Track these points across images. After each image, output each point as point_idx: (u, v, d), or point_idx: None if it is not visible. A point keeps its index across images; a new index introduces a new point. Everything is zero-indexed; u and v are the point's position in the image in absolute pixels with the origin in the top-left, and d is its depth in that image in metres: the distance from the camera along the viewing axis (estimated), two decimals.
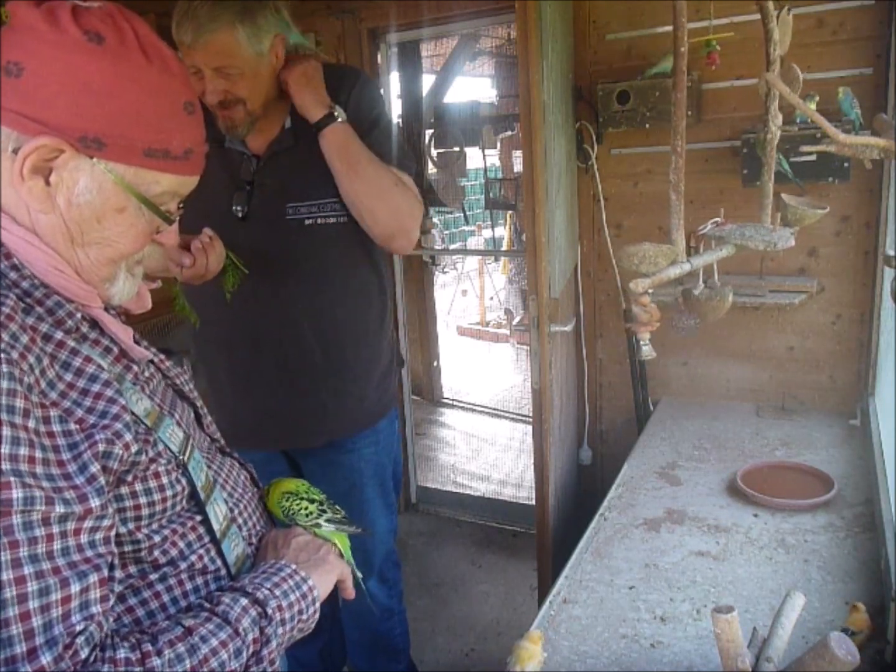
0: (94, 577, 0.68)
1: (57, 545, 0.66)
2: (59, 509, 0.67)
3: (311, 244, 1.61)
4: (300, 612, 0.86)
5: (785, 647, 1.08)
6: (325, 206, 1.58)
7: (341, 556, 1.03)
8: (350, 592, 0.99)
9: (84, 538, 0.69)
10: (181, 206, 0.88)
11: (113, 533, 0.73)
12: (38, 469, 0.67)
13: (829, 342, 2.28)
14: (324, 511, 1.05)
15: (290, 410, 1.71)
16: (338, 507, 1.08)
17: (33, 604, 0.63)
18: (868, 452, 1.90)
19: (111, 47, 0.75)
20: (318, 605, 0.89)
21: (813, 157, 2.03)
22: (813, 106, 1.43)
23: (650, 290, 1.37)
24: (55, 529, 0.66)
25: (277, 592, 0.85)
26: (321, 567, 0.94)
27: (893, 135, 1.37)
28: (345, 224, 1.61)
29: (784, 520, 1.65)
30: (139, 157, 0.77)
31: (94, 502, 0.70)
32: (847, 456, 1.94)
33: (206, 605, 0.81)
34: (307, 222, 1.58)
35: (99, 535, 0.70)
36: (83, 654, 0.65)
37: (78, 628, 0.66)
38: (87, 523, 0.69)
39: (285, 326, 1.65)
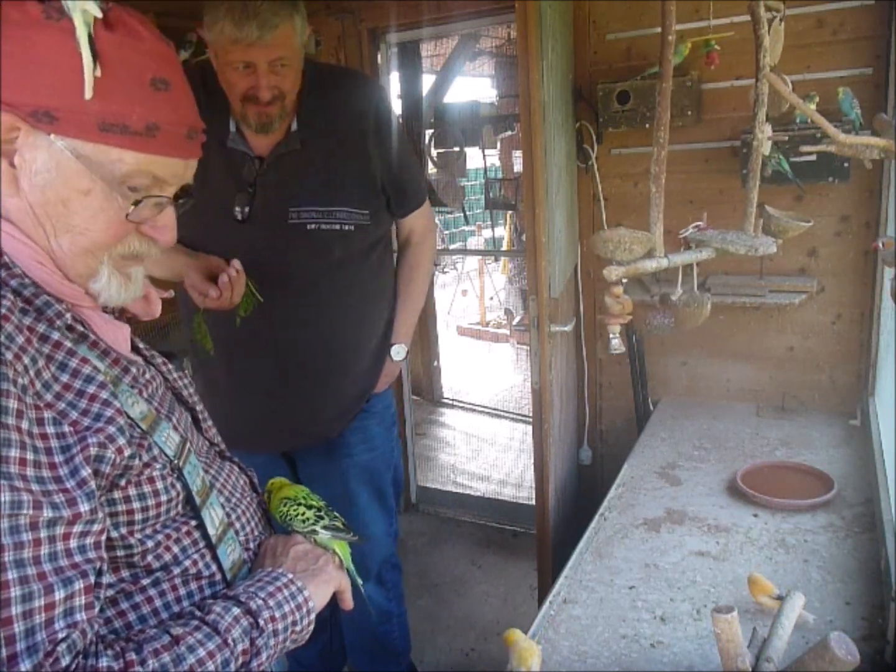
0: (79, 584, 0.67)
1: (44, 550, 0.65)
2: (48, 513, 0.66)
3: (311, 249, 1.60)
4: (294, 623, 0.84)
5: (785, 647, 1.08)
6: (330, 213, 1.58)
7: (341, 564, 1.02)
8: (348, 603, 0.98)
9: (73, 543, 0.68)
10: (181, 201, 0.84)
11: (104, 538, 0.72)
12: (29, 471, 0.66)
13: (829, 342, 2.28)
14: (321, 518, 1.03)
15: (289, 413, 1.71)
16: (337, 515, 1.06)
17: (16, 609, 0.62)
18: (868, 452, 1.90)
19: (67, 22, 0.72)
20: (312, 616, 0.87)
21: (813, 157, 2.03)
22: (813, 106, 1.43)
23: (624, 280, 1.36)
24: (43, 534, 0.65)
25: (271, 602, 0.83)
26: (318, 577, 0.92)
27: (893, 135, 1.37)
28: (350, 232, 1.60)
29: (784, 520, 1.65)
30: (95, 132, 0.74)
31: (84, 507, 0.69)
32: (847, 456, 1.94)
33: (197, 613, 0.80)
34: (309, 227, 1.58)
35: (89, 540, 0.69)
36: (64, 663, 0.64)
37: (60, 636, 0.64)
38: (77, 528, 0.68)
39: (281, 330, 1.65)
